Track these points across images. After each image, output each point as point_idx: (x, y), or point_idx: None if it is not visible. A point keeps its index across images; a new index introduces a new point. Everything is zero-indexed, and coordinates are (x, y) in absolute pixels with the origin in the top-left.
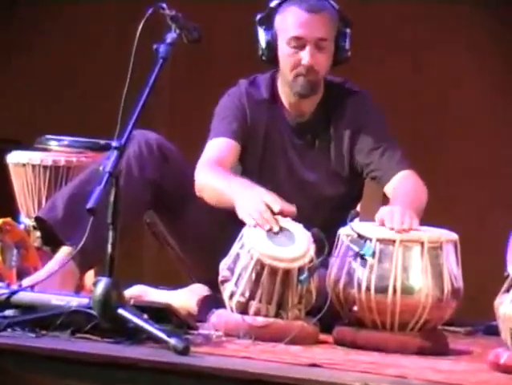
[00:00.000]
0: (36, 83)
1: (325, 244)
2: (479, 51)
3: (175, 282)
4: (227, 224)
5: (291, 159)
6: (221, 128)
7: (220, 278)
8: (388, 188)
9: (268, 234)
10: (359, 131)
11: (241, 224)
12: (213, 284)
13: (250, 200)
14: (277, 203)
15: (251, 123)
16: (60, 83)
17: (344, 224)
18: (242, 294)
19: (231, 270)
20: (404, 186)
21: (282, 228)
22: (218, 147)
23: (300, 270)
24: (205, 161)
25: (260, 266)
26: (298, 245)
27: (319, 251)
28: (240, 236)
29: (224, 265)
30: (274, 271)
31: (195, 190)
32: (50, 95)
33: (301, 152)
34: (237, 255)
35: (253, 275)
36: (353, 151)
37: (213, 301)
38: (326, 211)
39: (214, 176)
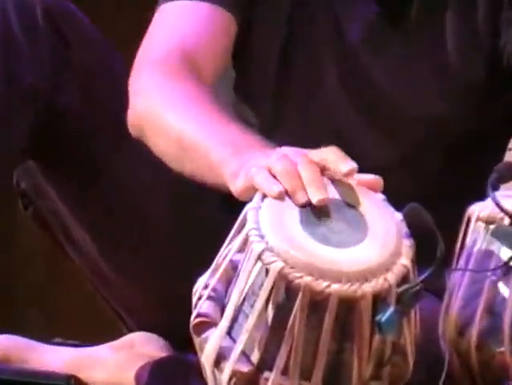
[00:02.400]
0: None
1: (438, 239)
2: None
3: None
4: (202, 198)
5: (354, 49)
6: None
7: (193, 319)
8: None
9: (306, 217)
10: None
11: (236, 204)
12: (174, 330)
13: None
14: (338, 154)
15: None
16: None
17: (479, 196)
18: (246, 356)
19: (219, 300)
20: None
21: (337, 207)
22: (187, 21)
23: (379, 301)
24: (157, 58)
25: (285, 292)
26: (375, 244)
27: (424, 257)
28: (239, 222)
29: (201, 289)
30: (317, 303)
31: (128, 125)
32: None
33: (377, 34)
34: (232, 266)
35: (271, 313)
36: (499, 27)
37: (175, 370)
38: (433, 165)
39: (177, 104)
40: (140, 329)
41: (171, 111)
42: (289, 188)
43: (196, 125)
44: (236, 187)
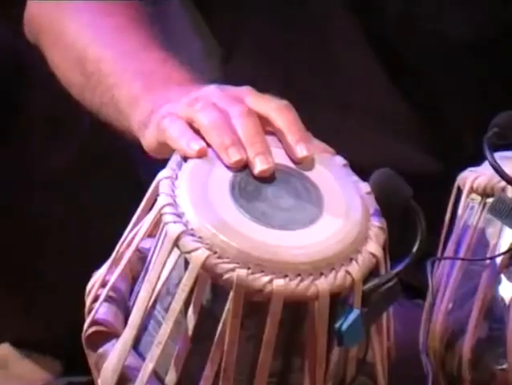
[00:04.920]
0: None
1: (418, 218)
2: None
3: None
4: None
5: None
6: None
7: (87, 328)
8: None
9: (240, 189)
10: None
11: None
12: (62, 344)
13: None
14: (290, 116)
15: None
16: None
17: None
18: (158, 377)
19: (121, 303)
20: None
21: (282, 175)
22: None
23: (339, 302)
24: None
25: (211, 290)
26: (333, 225)
27: (400, 242)
28: (148, 196)
29: (98, 287)
30: (254, 305)
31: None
32: None
33: None
34: (139, 256)
35: (192, 318)
36: None
37: None
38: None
39: (84, 7)
40: (16, 344)
41: (73, 17)
42: (216, 145)
43: (104, 44)
44: (146, 141)
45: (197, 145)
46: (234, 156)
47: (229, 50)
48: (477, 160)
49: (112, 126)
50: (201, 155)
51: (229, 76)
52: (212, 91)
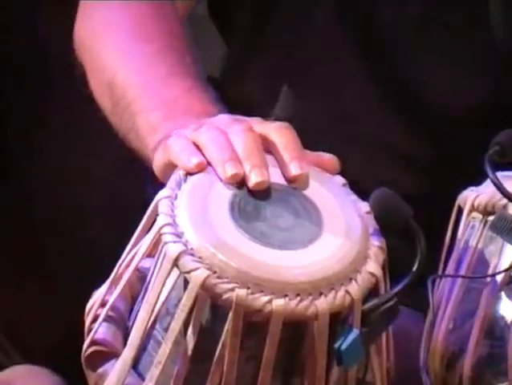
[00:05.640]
0: None
1: (418, 237)
2: None
3: None
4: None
5: None
6: None
7: (87, 348)
8: None
9: (239, 208)
10: None
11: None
12: (69, 362)
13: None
14: (289, 137)
15: None
16: None
17: (470, 180)
18: None
19: (121, 323)
20: None
21: (282, 193)
22: None
23: (338, 322)
24: None
25: (211, 310)
26: (332, 244)
27: (400, 261)
28: (148, 216)
29: (97, 307)
30: (254, 325)
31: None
32: None
33: None
34: (139, 276)
35: (191, 338)
36: None
37: None
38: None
39: (119, 33)
40: (24, 359)
41: (109, 42)
42: (214, 160)
43: (134, 71)
44: (155, 164)
45: (196, 159)
46: (231, 170)
47: (241, 74)
48: (475, 180)
49: (137, 153)
50: (200, 169)
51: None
52: (220, 117)
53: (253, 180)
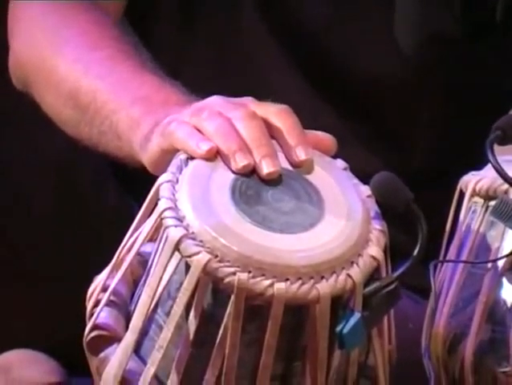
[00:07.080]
0: None
1: (419, 220)
2: None
3: None
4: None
5: None
6: None
7: (88, 332)
8: None
9: (241, 192)
10: None
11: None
12: (66, 347)
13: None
14: (290, 120)
15: None
16: None
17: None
18: (159, 381)
19: (122, 307)
20: None
21: (283, 177)
22: None
23: (340, 305)
24: None
25: (212, 294)
26: (333, 228)
27: (401, 245)
28: (149, 200)
29: (99, 292)
30: (256, 309)
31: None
32: None
33: None
34: (140, 260)
35: (193, 322)
36: None
37: None
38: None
39: (70, 45)
40: (18, 345)
41: (62, 54)
42: (223, 150)
43: (96, 75)
44: (148, 153)
45: (206, 145)
46: (242, 162)
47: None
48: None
49: (113, 156)
50: (210, 155)
51: None
52: (215, 100)
53: (265, 170)
